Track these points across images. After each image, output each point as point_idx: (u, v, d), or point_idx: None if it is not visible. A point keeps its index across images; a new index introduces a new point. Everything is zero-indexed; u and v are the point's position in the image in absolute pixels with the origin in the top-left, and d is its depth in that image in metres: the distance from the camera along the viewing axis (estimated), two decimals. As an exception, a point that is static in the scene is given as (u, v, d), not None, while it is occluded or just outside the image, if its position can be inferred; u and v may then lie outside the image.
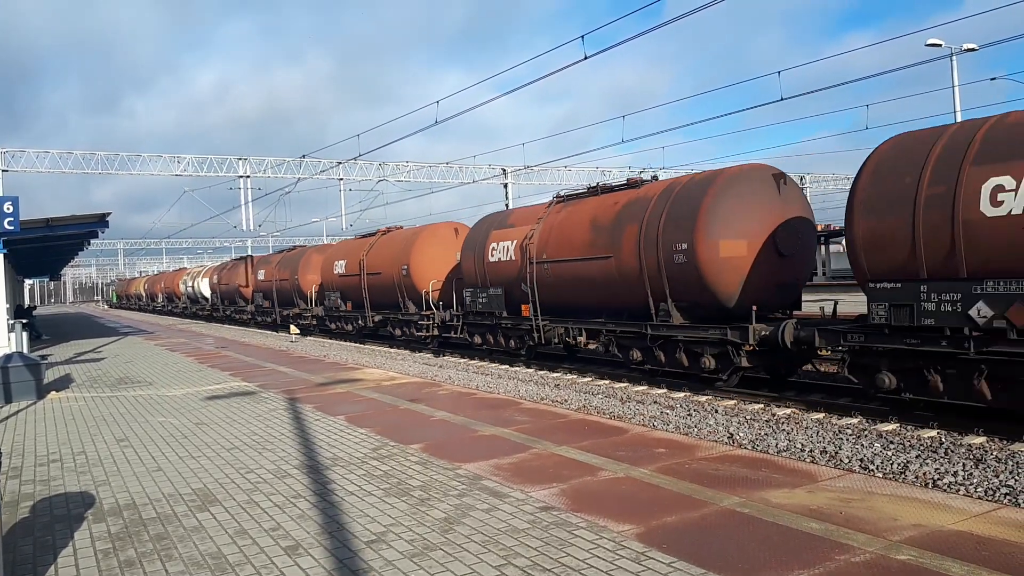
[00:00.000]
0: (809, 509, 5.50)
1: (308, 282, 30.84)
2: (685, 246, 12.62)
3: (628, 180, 15.55)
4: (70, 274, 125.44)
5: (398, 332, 24.28)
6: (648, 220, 13.50)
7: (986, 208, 8.80)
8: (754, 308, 12.00)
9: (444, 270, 22.27)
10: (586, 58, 15.17)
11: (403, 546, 5.08)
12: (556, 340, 16.81)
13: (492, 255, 18.59)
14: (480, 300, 19.17)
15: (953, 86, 28.25)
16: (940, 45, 27.35)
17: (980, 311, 8.94)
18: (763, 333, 11.86)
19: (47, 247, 28.44)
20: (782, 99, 20.17)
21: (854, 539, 4.86)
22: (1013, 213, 8.57)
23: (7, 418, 11.18)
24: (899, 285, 9.75)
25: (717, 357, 12.66)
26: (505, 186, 44.85)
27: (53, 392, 13.37)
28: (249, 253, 50.52)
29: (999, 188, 8.71)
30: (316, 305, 30.04)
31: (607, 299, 14.81)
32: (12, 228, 15.77)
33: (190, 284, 53.52)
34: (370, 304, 25.42)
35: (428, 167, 44.62)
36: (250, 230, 43.31)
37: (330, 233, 63.44)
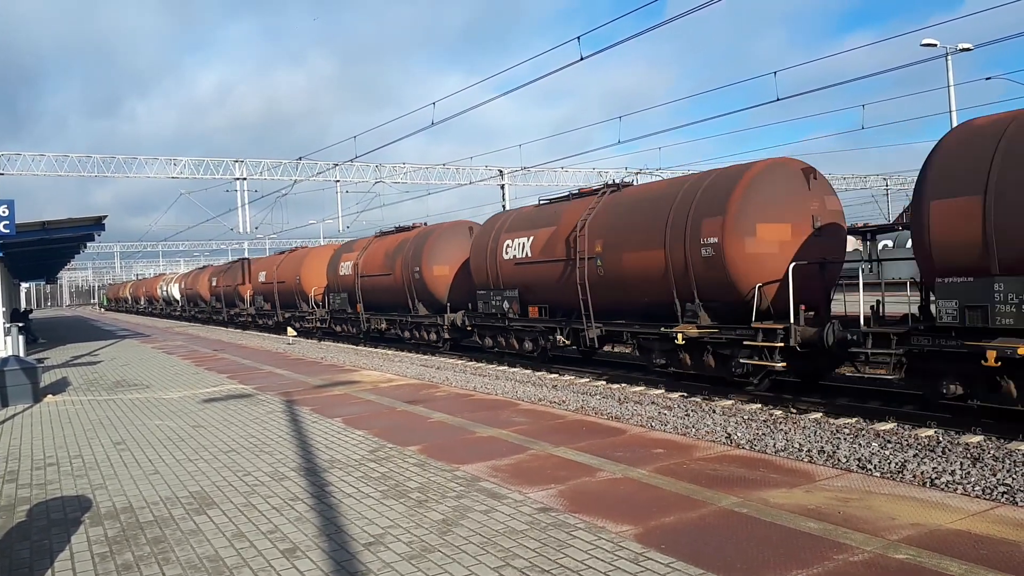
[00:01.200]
0: (807, 509, 5.51)
1: (244, 288, 38.55)
2: (418, 268, 21.68)
3: (413, 224, 24.78)
4: (66, 277, 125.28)
5: (297, 325, 31.78)
6: (405, 251, 22.66)
7: (503, 255, 17.81)
8: (448, 303, 20.83)
9: (323, 280, 29.71)
10: (582, 59, 15.24)
11: (401, 548, 5.07)
12: (374, 327, 25.23)
13: (342, 270, 27.10)
14: (337, 301, 27.74)
15: (948, 86, 28.28)
16: (935, 45, 27.35)
17: (505, 305, 17.88)
18: (451, 318, 20.52)
19: (43, 250, 28.32)
20: (778, 99, 20.31)
21: (852, 538, 4.86)
22: (508, 257, 17.67)
23: (3, 422, 11.15)
24: (486, 291, 18.64)
25: (438, 334, 21.50)
26: (502, 187, 44.81)
27: (49, 395, 13.34)
28: (245, 256, 50.56)
29: (508, 245, 17.72)
30: (251, 306, 37.95)
31: (392, 300, 23.69)
32: (8, 231, 15.69)
33: (165, 289, 63.44)
34: (280, 305, 34.07)
35: (425, 168, 44.50)
36: (247, 232, 43.16)
37: (327, 235, 63.28)
